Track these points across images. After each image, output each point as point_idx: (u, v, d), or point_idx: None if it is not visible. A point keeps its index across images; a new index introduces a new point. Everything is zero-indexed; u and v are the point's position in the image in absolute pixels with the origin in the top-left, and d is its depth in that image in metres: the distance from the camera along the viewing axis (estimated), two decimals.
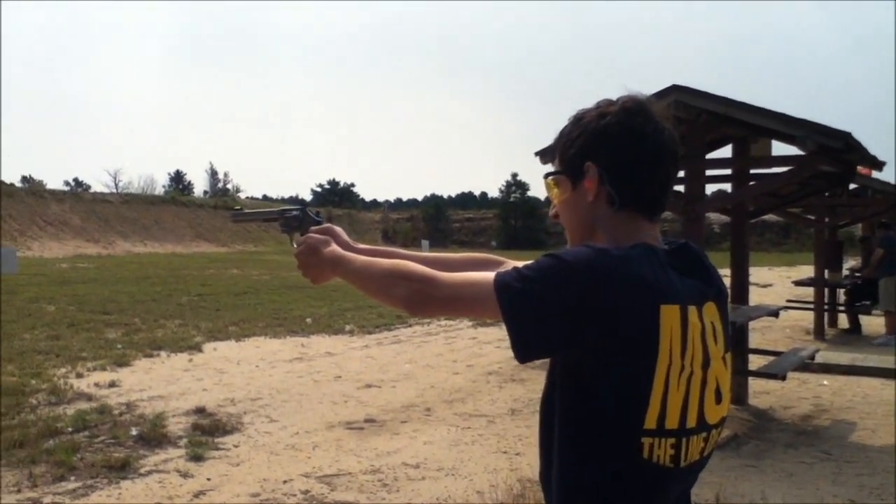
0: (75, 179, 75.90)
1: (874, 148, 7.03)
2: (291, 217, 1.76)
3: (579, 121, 1.35)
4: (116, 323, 11.69)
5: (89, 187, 66.30)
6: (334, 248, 1.57)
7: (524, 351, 1.21)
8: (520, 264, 1.28)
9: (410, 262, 1.41)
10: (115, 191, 59.52)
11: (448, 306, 1.32)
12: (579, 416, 1.23)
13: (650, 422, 1.18)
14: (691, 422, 1.22)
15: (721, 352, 1.28)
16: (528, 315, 1.19)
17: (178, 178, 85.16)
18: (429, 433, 6.02)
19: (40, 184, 53.01)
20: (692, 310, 1.22)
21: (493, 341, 10.99)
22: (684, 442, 1.22)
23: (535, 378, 8.20)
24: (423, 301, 1.31)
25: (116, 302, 14.53)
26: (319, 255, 1.56)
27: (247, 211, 1.98)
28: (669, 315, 1.18)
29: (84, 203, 45.75)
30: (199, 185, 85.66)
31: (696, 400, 1.22)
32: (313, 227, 1.68)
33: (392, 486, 4.76)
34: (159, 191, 65.94)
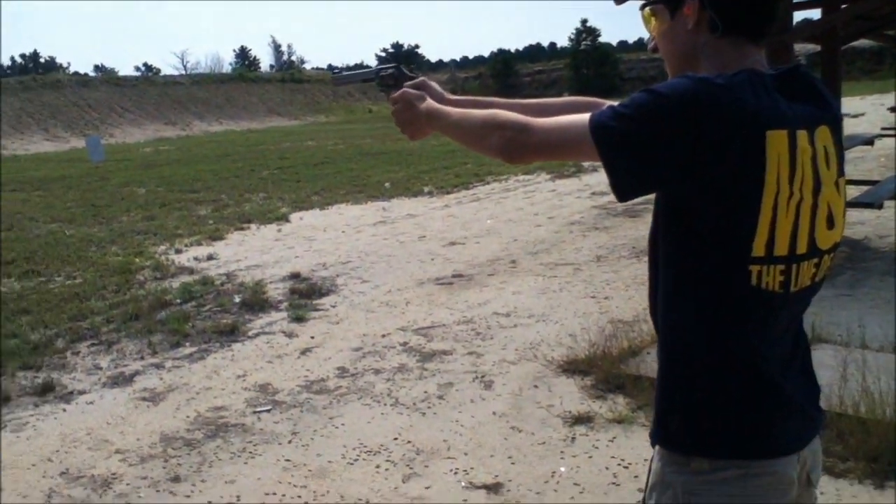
0: (145, 64, 76.93)
1: None
2: (387, 75, 1.76)
3: None
4: (205, 200, 12.11)
5: (159, 71, 67.12)
6: (430, 102, 1.55)
7: (624, 190, 1.19)
8: (615, 103, 1.24)
9: (505, 110, 1.38)
10: (184, 72, 60.04)
11: (544, 152, 1.30)
12: (684, 246, 1.22)
13: (758, 249, 1.17)
14: (801, 248, 1.20)
15: (834, 177, 1.23)
16: (626, 154, 1.16)
17: (243, 54, 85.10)
18: (516, 284, 6.14)
19: (113, 71, 53.91)
20: (801, 134, 1.17)
21: (573, 192, 10.93)
22: (794, 268, 1.20)
23: (618, 225, 8.18)
24: (519, 148, 1.30)
25: (202, 180, 14.99)
26: (415, 110, 1.55)
27: (345, 73, 2.00)
28: (777, 141, 1.13)
29: (156, 87, 46.48)
30: (265, 60, 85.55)
31: (807, 226, 1.19)
32: (407, 83, 1.66)
33: (486, 335, 4.93)
34: (226, 69, 66.27)
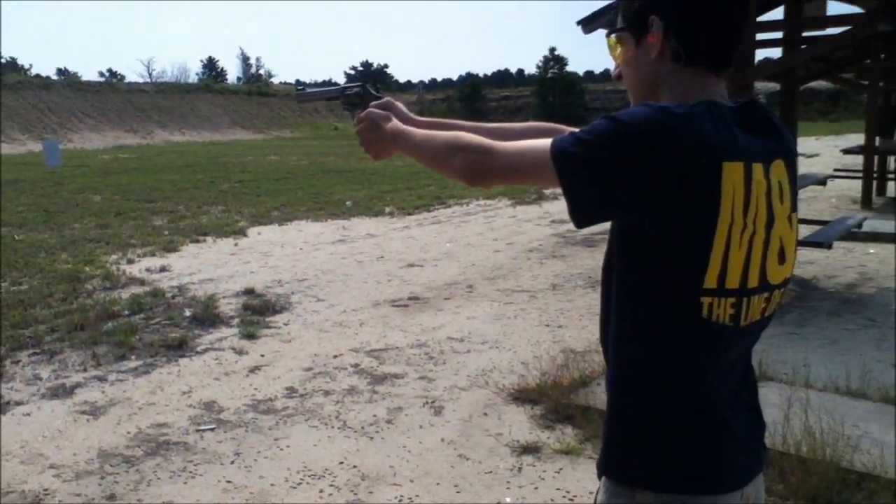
0: (109, 70, 75.85)
1: None
2: (352, 94, 1.75)
3: None
4: (161, 210, 11.92)
5: (123, 77, 66.27)
6: (395, 122, 1.54)
7: (581, 216, 1.19)
8: (577, 130, 1.24)
9: (469, 133, 1.38)
10: (149, 80, 59.36)
11: (506, 175, 1.30)
12: (639, 277, 1.22)
13: (710, 281, 1.17)
14: (753, 281, 1.20)
15: (787, 211, 1.24)
16: (585, 179, 1.16)
17: (210, 65, 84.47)
18: (472, 309, 6.13)
19: (76, 76, 53.06)
20: (757, 167, 1.17)
21: (534, 219, 10.99)
22: (745, 301, 1.21)
23: (575, 254, 8.24)
24: (481, 171, 1.29)
25: (160, 190, 14.76)
26: (380, 130, 1.54)
27: (309, 91, 1.98)
28: (732, 173, 1.14)
29: (120, 94, 45.84)
30: (232, 72, 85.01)
31: (759, 259, 1.20)
32: (373, 103, 1.65)
33: (438, 359, 4.90)
34: (193, 78, 65.69)
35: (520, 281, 7.09)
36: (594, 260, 7.72)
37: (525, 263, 7.89)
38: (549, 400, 4.03)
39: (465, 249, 8.74)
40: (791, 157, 1.28)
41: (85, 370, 4.74)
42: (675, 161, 1.11)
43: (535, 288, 6.80)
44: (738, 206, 1.15)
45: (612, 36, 1.34)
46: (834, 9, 7.12)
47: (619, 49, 1.34)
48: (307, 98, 1.98)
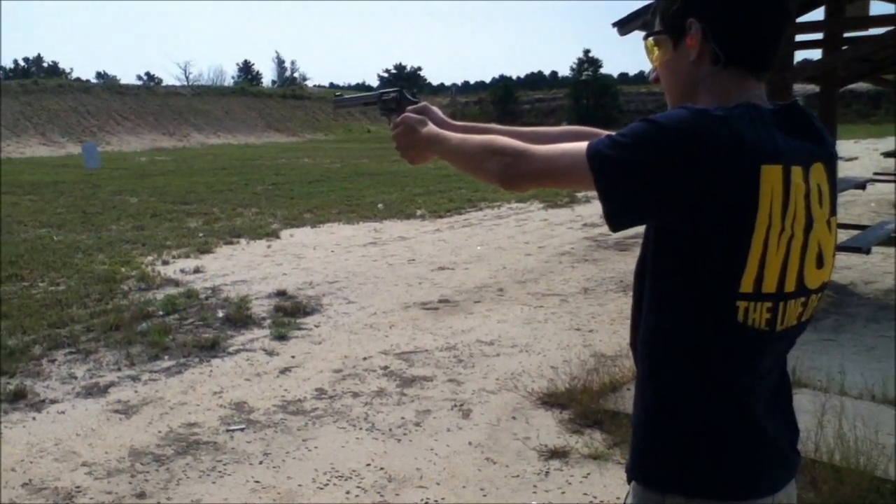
0: (147, 73, 77.19)
1: None
2: (389, 99, 1.76)
3: None
4: (196, 212, 12.08)
5: (161, 81, 67.39)
6: (431, 126, 1.54)
7: (617, 220, 1.18)
8: (613, 132, 1.23)
9: (504, 136, 1.38)
10: (186, 83, 60.27)
11: (541, 178, 1.29)
12: (672, 279, 1.21)
13: (746, 285, 1.15)
14: (790, 286, 1.18)
15: (826, 215, 1.22)
16: (621, 182, 1.15)
17: (246, 68, 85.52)
18: (502, 312, 6.12)
19: (114, 79, 54.05)
20: (796, 170, 1.16)
21: (565, 222, 10.94)
22: (781, 306, 1.19)
23: (608, 258, 8.18)
24: (516, 174, 1.29)
25: (195, 192, 14.97)
26: (416, 135, 1.54)
27: (347, 97, 2.01)
28: (771, 176, 1.12)
29: (157, 97, 46.60)
30: (267, 75, 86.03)
31: (796, 263, 1.18)
32: (409, 107, 1.66)
33: (468, 362, 4.90)
34: (228, 82, 66.61)
35: (551, 284, 7.06)
36: (626, 264, 7.66)
37: (556, 267, 7.85)
38: (578, 404, 4.00)
39: (496, 252, 8.72)
40: (831, 161, 1.26)
41: (119, 369, 4.82)
42: (712, 164, 1.10)
43: (566, 292, 6.76)
44: (777, 209, 1.13)
45: (650, 39, 1.33)
46: (877, 9, 7.00)
47: (656, 52, 1.33)
48: (345, 104, 2.01)
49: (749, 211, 1.12)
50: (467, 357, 5.01)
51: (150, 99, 45.50)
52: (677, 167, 1.10)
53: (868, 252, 6.14)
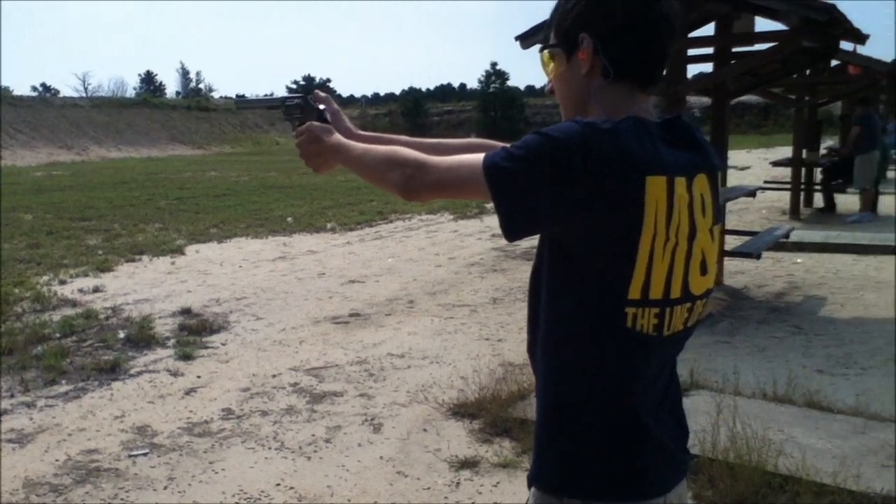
0: (43, 84, 73.80)
1: (856, 22, 6.91)
2: (293, 105, 1.74)
3: None
4: (96, 229, 11.63)
5: (58, 92, 64.60)
6: (336, 136, 1.56)
7: (512, 229, 1.23)
8: (509, 145, 1.28)
9: (407, 147, 1.41)
10: (84, 95, 57.94)
11: (440, 190, 1.33)
12: (565, 287, 1.26)
13: (634, 292, 1.21)
14: (675, 292, 1.25)
15: (709, 224, 1.29)
16: (516, 193, 1.20)
17: (148, 79, 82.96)
18: (413, 324, 6.14)
19: (7, 90, 51.45)
20: (680, 181, 1.22)
21: (474, 234, 11.07)
22: (668, 312, 1.25)
23: (516, 268, 8.32)
24: (416, 185, 1.32)
25: (94, 208, 14.40)
26: (321, 143, 1.55)
27: (249, 98, 1.98)
28: (655, 186, 1.18)
29: (54, 109, 44.59)
30: (171, 87, 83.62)
31: (681, 271, 1.24)
32: (318, 108, 1.66)
33: (378, 376, 4.90)
34: (130, 93, 64.45)
35: (461, 295, 7.13)
36: None
37: (466, 278, 7.94)
38: (488, 414, 4.07)
39: (407, 265, 8.75)
40: (714, 172, 1.33)
41: (12, 396, 4.59)
42: (600, 174, 1.15)
43: (475, 302, 6.84)
44: (661, 218, 1.19)
45: (546, 52, 1.39)
46: (761, 25, 7.39)
47: (551, 64, 1.38)
48: (247, 105, 1.99)
49: (635, 220, 1.18)
50: (378, 371, 5.00)
51: (46, 111, 43.49)
52: (568, 178, 1.16)
53: (759, 257, 6.46)
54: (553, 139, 1.18)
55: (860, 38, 7.53)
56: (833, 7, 6.04)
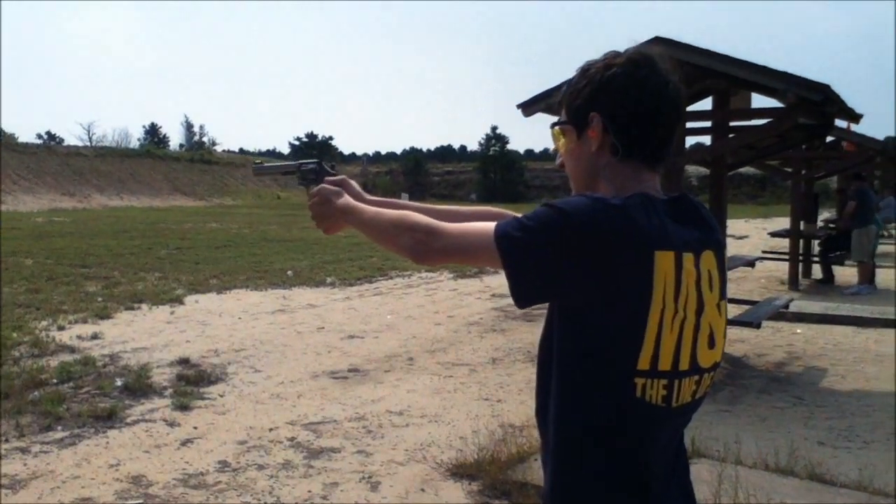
0: (48, 133, 74.47)
1: (851, 101, 7.09)
2: (308, 170, 1.81)
3: (586, 71, 1.38)
4: (96, 276, 11.64)
5: (63, 140, 65.21)
6: (346, 198, 1.60)
7: (523, 297, 1.26)
8: (520, 215, 1.32)
9: (417, 213, 1.45)
10: (88, 144, 58.50)
11: (451, 255, 1.36)
12: (576, 356, 1.28)
13: (643, 363, 1.23)
14: (684, 364, 1.27)
15: (716, 299, 1.32)
16: (527, 263, 1.23)
17: (153, 130, 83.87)
18: (412, 382, 6.11)
19: (12, 137, 51.95)
20: (688, 257, 1.26)
21: (474, 293, 11.08)
22: (676, 383, 1.27)
23: (515, 328, 8.31)
24: (427, 250, 1.35)
25: (95, 255, 14.43)
26: (331, 206, 1.60)
27: (266, 165, 2.04)
28: (664, 261, 1.22)
29: (58, 156, 45.06)
30: (175, 139, 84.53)
31: (689, 344, 1.27)
32: (327, 178, 1.71)
33: (376, 433, 4.85)
34: (134, 144, 65.02)
35: (460, 354, 7.11)
36: (533, 334, 7.80)
37: (465, 337, 7.92)
38: (487, 476, 4.02)
39: (406, 322, 8.74)
40: (720, 248, 1.36)
41: (7, 441, 4.54)
42: (610, 249, 1.19)
43: (475, 361, 6.82)
44: (670, 292, 1.23)
45: (556, 128, 1.44)
46: (758, 101, 7.57)
47: (561, 139, 1.43)
48: (264, 171, 2.04)
49: (644, 293, 1.21)
50: (376, 427, 4.96)
51: (50, 158, 43.93)
52: (577, 251, 1.19)
53: (759, 327, 6.47)
54: (564, 212, 1.21)
55: (854, 116, 7.71)
56: (827, 87, 6.19)
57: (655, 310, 1.22)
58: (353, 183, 1.74)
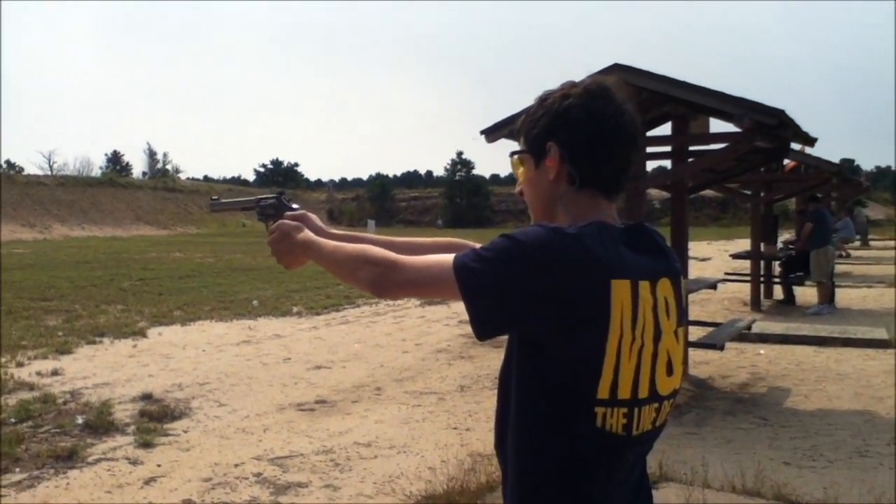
0: (7, 161, 73.27)
1: (806, 125, 7.26)
2: (267, 205, 1.79)
3: (543, 101, 1.40)
4: (56, 309, 11.41)
5: (22, 169, 64.20)
6: (306, 233, 1.60)
7: (483, 328, 1.27)
8: (479, 247, 1.33)
9: (377, 246, 1.45)
10: (49, 173, 57.63)
11: (410, 288, 1.37)
12: (535, 386, 1.29)
13: (603, 392, 1.24)
14: (643, 392, 1.28)
15: (673, 326, 1.34)
16: (486, 294, 1.24)
17: (115, 159, 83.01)
18: (380, 412, 6.07)
19: None
20: (644, 285, 1.27)
21: (441, 319, 11.07)
22: (636, 412, 1.28)
23: (483, 355, 8.31)
24: (387, 284, 1.36)
25: (55, 288, 14.16)
26: (291, 240, 1.60)
27: (224, 200, 2.01)
28: (620, 290, 1.23)
29: (17, 186, 44.26)
30: (138, 166, 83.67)
31: (648, 371, 1.28)
32: (287, 213, 1.70)
33: (344, 466, 4.80)
34: (96, 172, 64.23)
35: (428, 382, 7.08)
36: (501, 361, 7.79)
37: (434, 364, 7.90)
38: None
39: (374, 350, 8.69)
40: (676, 276, 1.38)
41: None
42: (566, 278, 1.20)
43: (443, 390, 6.80)
44: (627, 320, 1.24)
45: (515, 157, 1.46)
46: (716, 126, 7.73)
47: (520, 168, 1.45)
48: (222, 207, 2.00)
49: (602, 322, 1.22)
50: (344, 460, 4.91)
51: (9, 188, 43.10)
52: (534, 281, 1.21)
53: (722, 348, 6.56)
54: (521, 243, 1.23)
55: (809, 140, 7.89)
56: (782, 112, 6.34)
57: (613, 338, 1.23)
58: (314, 217, 1.74)
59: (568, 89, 1.38)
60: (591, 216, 1.32)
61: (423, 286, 1.36)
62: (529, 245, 1.22)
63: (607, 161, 1.36)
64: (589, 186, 1.36)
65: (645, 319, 1.27)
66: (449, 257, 1.30)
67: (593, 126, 1.34)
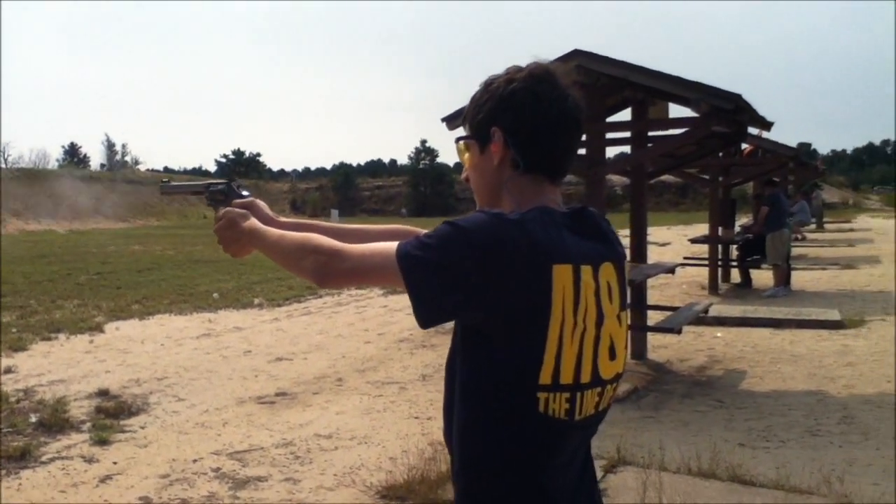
0: None
1: (762, 110, 7.35)
2: (217, 191, 1.76)
3: (488, 86, 1.40)
4: (10, 306, 11.15)
5: None
6: (252, 221, 1.57)
7: (425, 316, 1.27)
8: (422, 234, 1.32)
9: (322, 235, 1.44)
10: (3, 166, 56.24)
11: (354, 277, 1.37)
12: (478, 373, 1.29)
13: (545, 377, 1.25)
14: (585, 377, 1.29)
15: (616, 310, 1.34)
16: (428, 281, 1.24)
17: (72, 151, 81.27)
18: (341, 403, 6.05)
19: None
20: (586, 269, 1.28)
21: (404, 308, 11.04)
22: (578, 396, 1.29)
23: (445, 344, 8.25)
24: (330, 273, 1.35)
25: (10, 283, 13.83)
26: (237, 229, 1.57)
27: (174, 183, 1.98)
28: (562, 274, 1.24)
29: None
30: (96, 158, 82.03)
31: (590, 356, 1.29)
32: (236, 201, 1.67)
33: (305, 458, 4.78)
34: (53, 165, 62.76)
35: (390, 372, 7.07)
36: None
37: (396, 354, 7.89)
38: (417, 496, 4.00)
39: (336, 341, 8.65)
40: (620, 260, 1.39)
41: None
42: (507, 264, 1.20)
43: (404, 379, 6.79)
44: (569, 305, 1.24)
45: (461, 142, 1.45)
46: (675, 111, 7.82)
47: (466, 154, 1.45)
48: (171, 191, 1.98)
49: (543, 307, 1.23)
50: (305, 453, 4.89)
51: None
52: (476, 268, 1.21)
53: (680, 332, 6.65)
54: (463, 229, 1.23)
55: (766, 124, 8.01)
56: (739, 97, 6.42)
57: (555, 323, 1.23)
58: (263, 205, 1.71)
59: (513, 73, 1.38)
60: (535, 201, 1.32)
61: (366, 274, 1.35)
62: (472, 232, 1.22)
63: (551, 145, 1.36)
64: (533, 171, 1.36)
65: (587, 304, 1.27)
66: (392, 245, 1.29)
67: (536, 110, 1.34)
